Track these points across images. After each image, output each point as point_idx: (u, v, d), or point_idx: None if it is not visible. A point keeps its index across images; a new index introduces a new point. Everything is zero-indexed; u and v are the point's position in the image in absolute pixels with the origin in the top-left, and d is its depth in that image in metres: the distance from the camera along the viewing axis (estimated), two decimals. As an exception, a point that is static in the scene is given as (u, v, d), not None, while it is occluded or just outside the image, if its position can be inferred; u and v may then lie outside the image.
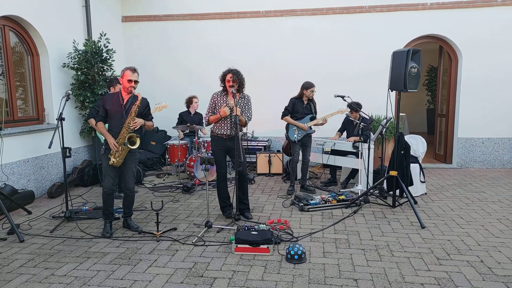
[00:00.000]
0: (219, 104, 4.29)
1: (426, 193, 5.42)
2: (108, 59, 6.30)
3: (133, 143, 3.90)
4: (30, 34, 5.59)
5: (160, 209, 3.88)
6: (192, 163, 6.13)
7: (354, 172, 5.84)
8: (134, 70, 3.92)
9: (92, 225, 4.24)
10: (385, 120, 5.06)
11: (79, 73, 6.05)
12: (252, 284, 2.85)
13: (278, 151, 7.01)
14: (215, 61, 7.52)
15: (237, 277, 2.97)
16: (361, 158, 5.27)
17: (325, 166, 6.41)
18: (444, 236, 3.79)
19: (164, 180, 6.47)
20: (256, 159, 6.90)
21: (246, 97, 4.39)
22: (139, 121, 3.88)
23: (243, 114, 4.30)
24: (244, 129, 7.47)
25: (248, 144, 7.30)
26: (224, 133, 4.29)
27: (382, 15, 7.24)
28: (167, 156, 6.60)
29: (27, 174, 5.31)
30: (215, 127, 4.34)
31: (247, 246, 3.39)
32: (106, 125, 3.97)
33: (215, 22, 7.73)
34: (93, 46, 6.04)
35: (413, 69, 4.14)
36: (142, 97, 3.94)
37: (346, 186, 5.85)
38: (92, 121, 4.93)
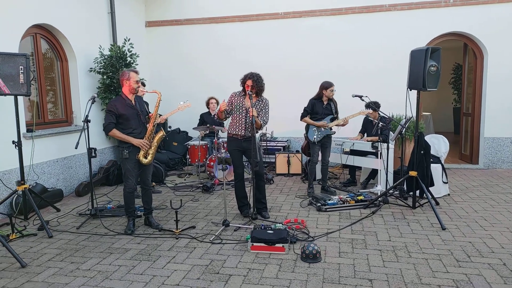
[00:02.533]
0: (235, 103, 4.37)
1: (449, 194, 5.30)
2: (132, 63, 6.51)
3: (159, 132, 4.18)
4: (60, 41, 5.87)
5: (179, 207, 3.99)
6: (211, 163, 6.25)
7: (374, 173, 5.77)
8: (137, 72, 4.09)
9: (115, 222, 4.41)
10: (404, 120, 4.99)
11: (104, 77, 6.30)
12: (267, 282, 2.90)
13: (297, 151, 7.02)
14: (233, 64, 7.64)
15: (252, 274, 3.03)
16: (380, 158, 5.22)
17: (344, 166, 6.38)
18: (465, 238, 3.71)
19: (185, 180, 6.62)
20: (275, 160, 6.94)
21: (264, 100, 4.43)
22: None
23: (259, 117, 4.34)
24: (264, 130, 7.54)
25: (267, 144, 7.35)
26: (239, 133, 4.36)
27: (404, 13, 7.13)
28: (188, 157, 6.75)
29: (57, 174, 5.58)
30: (230, 127, 4.42)
31: (262, 244, 3.44)
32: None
33: (234, 25, 7.84)
34: (118, 51, 6.27)
35: (432, 68, 4.07)
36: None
37: (366, 186, 5.80)
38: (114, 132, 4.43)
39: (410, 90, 4.32)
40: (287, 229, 3.73)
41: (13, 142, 4.19)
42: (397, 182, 4.74)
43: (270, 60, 7.66)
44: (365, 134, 6.04)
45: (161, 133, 4.15)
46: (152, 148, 4.08)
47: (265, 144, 7.37)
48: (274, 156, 7.06)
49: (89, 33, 6.35)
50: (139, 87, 4.06)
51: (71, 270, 3.17)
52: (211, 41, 7.95)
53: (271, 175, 6.42)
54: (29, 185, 4.85)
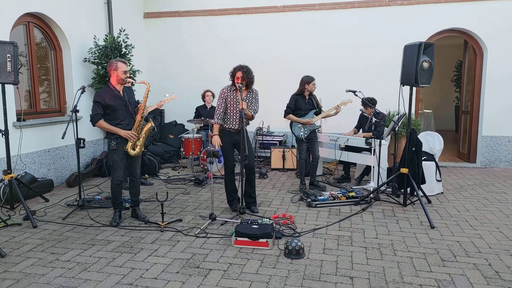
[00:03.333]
0: (229, 98, 4.31)
1: (442, 193, 5.22)
2: (127, 54, 6.45)
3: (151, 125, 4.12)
4: (53, 30, 5.82)
5: (164, 200, 3.95)
6: (205, 156, 6.20)
7: (368, 169, 5.71)
8: (125, 62, 4.01)
9: (102, 214, 4.39)
10: (397, 116, 4.90)
11: (99, 67, 6.25)
12: (246, 277, 2.86)
13: (293, 146, 6.96)
14: (230, 57, 7.54)
15: (232, 269, 2.99)
16: (373, 154, 5.14)
17: (340, 162, 6.31)
18: (453, 237, 3.64)
19: (178, 172, 6.58)
20: (270, 154, 6.88)
21: (254, 91, 4.40)
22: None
23: (250, 108, 4.30)
24: (260, 124, 7.48)
25: (263, 138, 7.29)
26: (232, 127, 4.31)
27: (403, 8, 7.01)
28: (181, 149, 6.71)
29: (48, 164, 5.56)
30: (224, 121, 4.36)
31: (246, 239, 3.40)
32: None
33: (232, 18, 7.75)
34: (112, 42, 6.21)
35: (425, 63, 3.99)
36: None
37: (360, 183, 5.73)
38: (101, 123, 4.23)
39: (403, 85, 4.24)
40: (274, 225, 3.68)
41: (0, 131, 4.15)
42: (388, 180, 4.67)
43: (269, 54, 7.59)
44: (361, 130, 5.97)
45: (149, 125, 4.10)
46: (140, 139, 4.03)
47: (261, 139, 7.31)
48: (269, 150, 7.00)
49: (84, 22, 6.29)
50: (127, 77, 3.99)
51: (50, 261, 3.15)
52: (209, 34, 7.87)
53: (265, 169, 6.36)
54: (18, 175, 4.85)
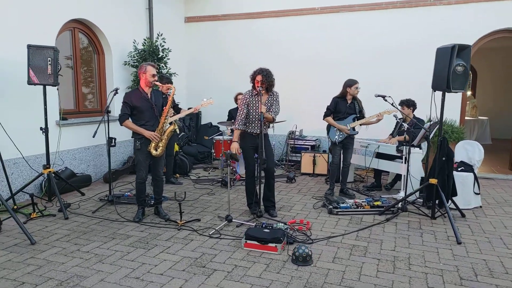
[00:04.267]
0: (251, 103, 4.34)
1: (480, 206, 4.84)
2: (164, 57, 6.74)
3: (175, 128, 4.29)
4: (97, 34, 6.25)
5: (182, 199, 4.07)
6: (224, 158, 6.29)
7: (399, 178, 5.45)
8: (154, 65, 4.17)
9: (129, 209, 4.61)
10: (429, 123, 4.62)
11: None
12: (247, 280, 2.87)
13: (324, 151, 6.83)
14: (269, 58, 7.59)
15: (236, 271, 3.01)
16: (405, 162, 4.89)
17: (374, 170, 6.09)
18: (480, 255, 3.37)
19: (209, 173, 6.73)
20: (301, 158, 6.81)
21: (275, 93, 4.40)
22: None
23: (271, 110, 4.30)
24: (293, 128, 7.43)
25: (295, 142, 7.23)
26: (254, 131, 4.34)
27: (449, 7, 6.61)
28: (213, 151, 6.85)
29: (88, 160, 5.96)
30: (246, 125, 4.40)
31: (255, 243, 3.40)
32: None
33: (270, 21, 7.80)
34: (150, 46, 6.52)
35: (459, 67, 3.72)
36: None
37: (390, 191, 5.49)
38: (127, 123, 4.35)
39: (434, 91, 3.99)
40: (287, 230, 3.65)
41: (41, 128, 4.54)
42: (415, 190, 4.42)
43: (306, 55, 7.55)
44: (396, 136, 5.71)
45: (172, 127, 4.23)
46: (163, 140, 4.19)
47: (293, 143, 7.26)
48: (300, 155, 6.93)
49: (126, 27, 6.67)
50: (155, 80, 4.17)
51: (72, 251, 3.38)
52: (247, 36, 7.98)
53: (293, 173, 6.30)
54: (59, 170, 5.27)
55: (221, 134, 6.75)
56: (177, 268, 3.06)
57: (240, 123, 4.34)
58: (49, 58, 4.29)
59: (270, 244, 3.36)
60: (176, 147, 7.01)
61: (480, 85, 12.36)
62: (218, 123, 6.73)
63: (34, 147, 4.99)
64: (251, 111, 4.31)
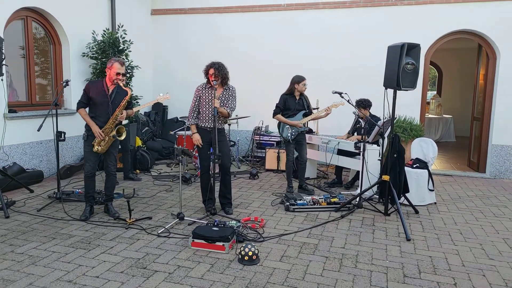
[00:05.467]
0: (203, 96, 4.23)
1: (435, 203, 4.91)
2: (125, 50, 6.50)
3: (120, 135, 4.03)
4: (53, 24, 5.95)
5: (131, 196, 3.92)
6: (196, 154, 6.15)
7: (358, 175, 5.47)
8: (122, 63, 4.00)
9: (78, 207, 4.41)
10: (383, 121, 4.64)
11: (98, 62, 6.33)
12: (188, 282, 2.77)
13: (288, 148, 6.78)
14: (232, 55, 7.49)
15: (178, 273, 2.90)
16: (362, 159, 4.90)
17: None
18: (427, 252, 3.39)
19: (171, 169, 6.57)
20: (265, 155, 6.75)
21: (231, 88, 4.29)
22: (127, 113, 4.11)
23: (226, 105, 4.20)
24: (259, 124, 7.36)
25: (260, 138, 7.16)
26: (208, 125, 4.23)
27: (411, 8, 6.68)
28: (175, 146, 6.69)
29: (40, 155, 5.68)
30: (199, 120, 4.29)
31: (202, 241, 3.30)
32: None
33: (235, 16, 7.67)
34: (110, 37, 6.27)
35: (408, 66, 3.73)
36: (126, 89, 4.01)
37: (349, 189, 5.50)
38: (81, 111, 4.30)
39: (386, 88, 3.99)
40: (240, 228, 3.57)
41: (-18, 122, 4.27)
42: (368, 187, 4.43)
43: (270, 53, 7.49)
44: (355, 133, 5.73)
45: (113, 133, 3.97)
46: (106, 140, 3.98)
47: (258, 138, 7.19)
48: (264, 151, 6.87)
49: (85, 18, 6.38)
50: (118, 79, 3.97)
51: (5, 252, 3.18)
52: (212, 31, 7.83)
53: (256, 170, 6.23)
54: (6, 165, 4.99)
55: (183, 129, 6.59)
56: (116, 270, 2.93)
57: (193, 116, 4.23)
58: (-11, 47, 4.02)
59: (217, 243, 3.27)
60: (139, 142, 6.81)
61: (446, 84, 12.67)
62: (180, 117, 6.57)
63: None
64: (204, 104, 4.19)
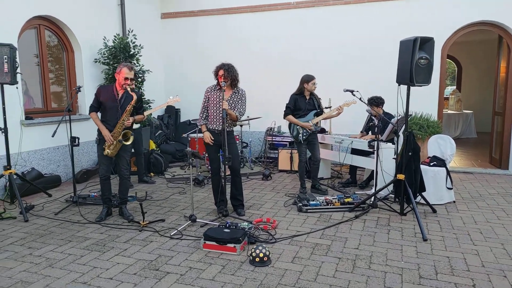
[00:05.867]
0: (212, 98, 4.23)
1: (454, 202, 4.77)
2: (136, 54, 6.58)
3: (127, 139, 4.07)
4: (65, 32, 6.08)
5: (143, 199, 3.96)
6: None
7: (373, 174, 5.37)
8: (131, 68, 4.04)
9: (95, 210, 4.48)
10: (397, 118, 4.54)
11: (110, 68, 6.43)
12: (199, 283, 2.77)
13: (302, 148, 6.72)
14: (244, 55, 7.50)
15: (189, 274, 2.90)
16: (376, 158, 4.81)
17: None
18: (445, 252, 3.29)
19: (185, 172, 6.60)
20: (278, 155, 6.71)
21: (240, 91, 4.27)
22: (135, 119, 4.16)
23: (235, 109, 4.19)
24: (271, 124, 7.34)
25: (273, 139, 7.13)
26: (216, 128, 4.23)
27: (426, 0, 6.52)
28: (186, 149, 6.72)
29: (57, 161, 5.81)
30: (208, 122, 4.30)
31: (214, 243, 3.30)
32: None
33: (245, 16, 7.66)
34: (120, 42, 6.36)
35: (422, 60, 3.64)
36: (136, 92, 4.04)
37: (365, 188, 5.41)
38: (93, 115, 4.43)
39: (399, 84, 3.90)
40: (251, 229, 3.55)
41: (0, 128, 4.39)
42: (383, 186, 4.34)
43: (281, 52, 7.45)
44: (370, 132, 5.63)
45: (120, 137, 4.00)
46: (114, 144, 4.03)
47: (270, 139, 7.16)
48: (277, 151, 6.83)
49: (96, 24, 6.49)
50: (126, 84, 4.01)
51: (23, 255, 3.25)
52: (224, 32, 7.84)
53: (269, 171, 6.20)
54: (25, 171, 5.12)
55: (195, 132, 6.62)
56: (129, 271, 2.95)
57: (201, 117, 4.28)
58: (5, 56, 4.13)
59: (228, 245, 3.26)
60: (153, 145, 6.89)
61: (465, 78, 12.33)
62: (193, 120, 6.60)
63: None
64: (212, 105, 4.20)
